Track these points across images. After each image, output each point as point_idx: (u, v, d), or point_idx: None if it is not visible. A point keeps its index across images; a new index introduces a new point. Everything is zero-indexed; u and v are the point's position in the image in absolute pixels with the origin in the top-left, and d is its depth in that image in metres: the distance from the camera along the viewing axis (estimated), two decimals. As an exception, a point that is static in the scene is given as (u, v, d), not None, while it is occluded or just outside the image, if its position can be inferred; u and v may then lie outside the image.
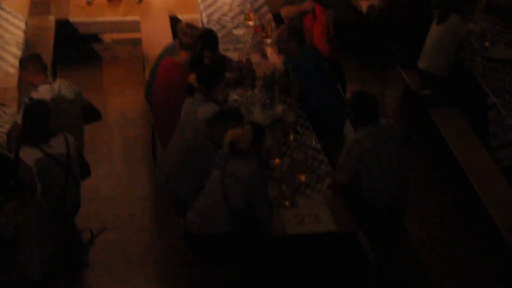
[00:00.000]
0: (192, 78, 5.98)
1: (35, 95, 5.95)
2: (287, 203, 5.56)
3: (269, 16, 8.18)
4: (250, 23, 7.95)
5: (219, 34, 7.58)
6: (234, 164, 5.25)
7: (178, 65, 6.48)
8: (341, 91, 7.22)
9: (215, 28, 7.78)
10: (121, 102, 8.41)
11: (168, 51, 6.80)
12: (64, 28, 8.82)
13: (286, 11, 7.80)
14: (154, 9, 9.24)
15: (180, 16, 8.86)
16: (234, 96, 6.66)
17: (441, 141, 6.98)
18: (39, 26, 8.35)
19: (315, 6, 7.50)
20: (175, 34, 7.18)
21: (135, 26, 8.77)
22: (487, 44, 7.49)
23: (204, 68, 6.19)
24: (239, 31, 7.88)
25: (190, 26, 6.54)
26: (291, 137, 6.24)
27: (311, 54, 6.93)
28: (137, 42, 8.74)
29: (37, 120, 5.53)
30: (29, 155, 5.45)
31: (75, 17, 9.03)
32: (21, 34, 7.65)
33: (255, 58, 7.30)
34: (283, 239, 5.37)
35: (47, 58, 7.45)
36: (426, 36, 7.50)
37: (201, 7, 8.49)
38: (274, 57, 7.36)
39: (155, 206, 6.91)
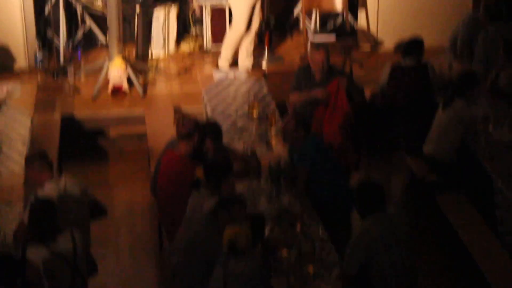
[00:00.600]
0: (199, 172, 5.99)
1: (41, 194, 5.95)
2: (296, 296, 5.50)
3: (273, 106, 8.23)
4: (254, 113, 7.99)
5: (224, 126, 7.63)
6: (235, 263, 5.17)
7: (179, 157, 6.50)
8: (346, 180, 7.20)
9: (219, 119, 7.83)
10: (127, 197, 8.40)
11: (171, 145, 6.83)
12: (70, 124, 8.87)
13: (294, 98, 7.85)
14: (158, 102, 9.32)
15: (185, 109, 8.92)
16: (239, 187, 6.65)
17: (449, 228, 6.93)
18: (44, 123, 8.42)
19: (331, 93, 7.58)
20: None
21: (140, 120, 8.84)
22: (490, 127, 7.50)
23: (211, 164, 6.17)
24: (243, 122, 7.91)
25: (185, 116, 6.58)
26: (298, 228, 6.19)
27: (317, 143, 6.94)
28: (142, 136, 8.77)
29: (43, 219, 5.51)
30: (36, 254, 5.42)
31: (81, 113, 9.08)
32: (27, 132, 7.71)
33: (260, 149, 7.32)
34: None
35: (53, 154, 7.49)
36: (430, 121, 7.54)
37: (205, 99, 8.57)
38: (279, 148, 7.37)
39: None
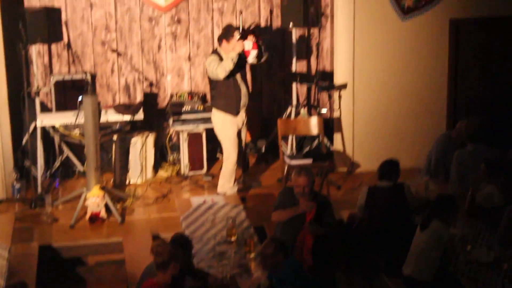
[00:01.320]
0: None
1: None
2: None
3: (252, 230, 8.24)
4: (233, 238, 7.99)
5: (203, 251, 7.64)
6: None
7: (158, 286, 6.43)
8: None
9: (197, 245, 7.81)
10: (106, 326, 8.29)
11: (147, 273, 6.77)
12: (48, 253, 8.80)
13: (277, 216, 7.86)
14: (136, 229, 9.30)
15: (163, 235, 8.90)
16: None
17: None
18: (22, 253, 8.35)
19: (314, 206, 7.62)
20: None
21: (118, 247, 8.79)
22: (468, 247, 7.52)
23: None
24: (222, 247, 7.89)
25: (161, 243, 6.54)
26: None
27: (296, 267, 6.91)
28: (120, 263, 8.70)
29: None
30: None
31: (58, 242, 9.02)
32: (4, 263, 7.63)
33: (239, 274, 7.28)
34: None
35: (31, 284, 7.40)
36: (408, 242, 7.55)
37: (183, 225, 8.56)
38: (258, 272, 7.33)
39: None
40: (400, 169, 8.37)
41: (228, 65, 9.33)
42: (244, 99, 9.69)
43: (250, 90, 10.11)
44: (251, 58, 9.72)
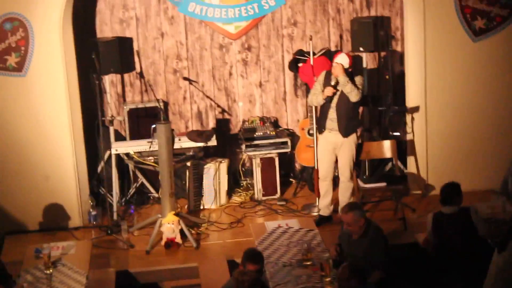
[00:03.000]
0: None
1: None
2: None
3: (327, 254, 8.21)
4: (308, 262, 7.97)
5: (278, 276, 7.64)
6: None
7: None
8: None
9: (272, 270, 7.81)
10: None
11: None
12: (124, 279, 8.89)
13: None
14: (211, 254, 9.35)
15: (238, 260, 8.91)
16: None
17: None
18: (99, 279, 8.46)
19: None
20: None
21: (194, 272, 8.84)
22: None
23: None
24: (298, 272, 7.88)
25: (244, 272, 6.57)
26: None
27: None
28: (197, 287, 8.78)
29: None
30: None
31: (135, 267, 9.12)
32: (83, 288, 7.74)
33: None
34: None
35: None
36: (485, 265, 7.44)
37: (259, 249, 8.55)
38: (334, 296, 7.31)
39: None
40: (462, 192, 8.27)
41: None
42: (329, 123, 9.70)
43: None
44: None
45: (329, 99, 9.56)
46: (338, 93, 9.55)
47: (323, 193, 9.93)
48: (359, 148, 9.91)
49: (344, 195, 9.80)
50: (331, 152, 9.75)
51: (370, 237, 7.80)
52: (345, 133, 9.61)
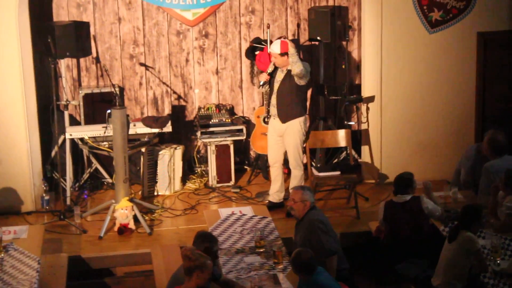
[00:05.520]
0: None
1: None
2: None
3: (280, 242, 8.24)
4: (261, 250, 7.99)
5: (231, 263, 7.64)
6: None
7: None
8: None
9: (226, 257, 7.82)
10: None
11: (174, 281, 6.79)
12: (77, 264, 8.86)
13: None
14: (165, 241, 9.34)
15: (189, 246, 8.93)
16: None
17: None
18: (51, 264, 8.40)
19: None
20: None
21: (146, 258, 8.82)
22: (498, 259, 7.48)
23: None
24: (250, 259, 7.90)
25: (193, 249, 6.54)
26: None
27: (327, 277, 6.92)
28: (149, 274, 8.74)
29: None
30: None
31: (87, 253, 9.09)
32: (35, 274, 7.67)
33: (267, 285, 7.27)
34: None
35: (60, 295, 7.46)
36: (437, 253, 7.54)
37: (212, 235, 8.56)
38: (286, 283, 7.33)
39: None
40: (415, 182, 8.37)
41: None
42: (272, 109, 9.78)
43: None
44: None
45: (273, 86, 9.72)
46: (280, 79, 9.68)
47: (272, 179, 10.04)
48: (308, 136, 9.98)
49: (292, 183, 9.91)
50: (277, 138, 9.85)
51: (305, 221, 7.84)
52: (284, 119, 9.71)
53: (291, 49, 9.51)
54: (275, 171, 9.99)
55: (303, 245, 7.61)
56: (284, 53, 9.54)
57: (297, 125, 9.72)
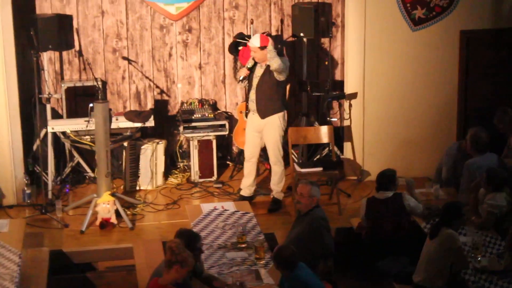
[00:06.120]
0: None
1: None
2: None
3: (262, 237, 8.25)
4: (243, 245, 8.00)
5: (212, 258, 7.65)
6: None
7: (160, 287, 6.44)
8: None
9: (207, 252, 7.82)
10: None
11: (156, 275, 6.79)
12: (58, 258, 8.83)
13: None
14: (146, 235, 9.33)
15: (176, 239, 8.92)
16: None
17: None
18: (33, 258, 8.38)
19: None
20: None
21: (128, 253, 8.81)
22: (479, 256, 7.53)
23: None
24: (232, 254, 7.91)
25: (177, 243, 6.53)
26: None
27: (308, 273, 6.94)
28: (130, 269, 8.72)
29: None
30: None
31: (69, 247, 9.06)
32: (16, 268, 7.65)
33: (249, 280, 7.29)
34: None
35: (42, 289, 7.44)
36: (418, 250, 7.57)
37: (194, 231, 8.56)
38: (268, 279, 7.34)
39: None
40: (397, 178, 8.41)
41: None
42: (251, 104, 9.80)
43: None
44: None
45: (252, 81, 9.73)
46: (259, 74, 9.68)
47: (246, 173, 10.07)
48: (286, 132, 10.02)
49: (272, 179, 9.96)
50: (255, 134, 9.87)
51: (308, 217, 7.83)
52: (262, 114, 9.73)
53: (269, 46, 9.52)
54: (250, 166, 10.01)
55: (298, 239, 7.63)
56: (263, 47, 9.55)
57: (277, 120, 9.73)
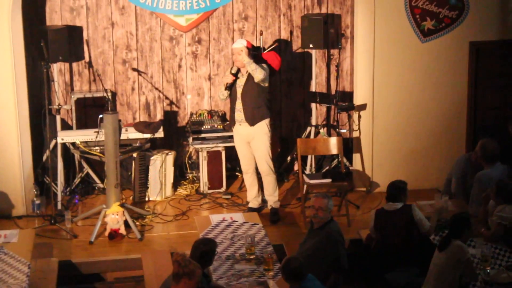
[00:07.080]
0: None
1: None
2: None
3: (271, 248, 8.25)
4: (252, 256, 8.00)
5: (221, 269, 7.65)
6: None
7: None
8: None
9: (216, 263, 7.82)
10: None
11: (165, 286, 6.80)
12: (67, 269, 8.84)
13: None
14: (155, 246, 9.34)
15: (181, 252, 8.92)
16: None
17: None
18: (42, 269, 8.38)
19: None
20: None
21: (137, 264, 8.82)
22: (488, 268, 7.51)
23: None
24: (241, 265, 7.90)
25: (185, 257, 6.53)
26: None
27: (316, 283, 6.94)
28: (139, 279, 8.74)
29: None
30: None
31: (78, 258, 9.07)
32: (25, 278, 7.66)
33: (258, 291, 7.30)
34: None
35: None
36: (427, 262, 7.55)
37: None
38: (277, 290, 7.35)
39: None
40: (408, 190, 8.40)
41: None
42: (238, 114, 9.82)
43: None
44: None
45: (235, 92, 9.74)
46: (242, 83, 9.70)
47: (248, 185, 10.10)
48: (281, 143, 10.03)
49: (266, 190, 9.98)
50: (245, 145, 9.90)
51: (324, 230, 7.83)
52: (252, 122, 9.73)
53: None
54: (249, 178, 10.04)
55: (313, 252, 7.63)
56: (250, 49, 9.61)
57: (265, 127, 9.75)
